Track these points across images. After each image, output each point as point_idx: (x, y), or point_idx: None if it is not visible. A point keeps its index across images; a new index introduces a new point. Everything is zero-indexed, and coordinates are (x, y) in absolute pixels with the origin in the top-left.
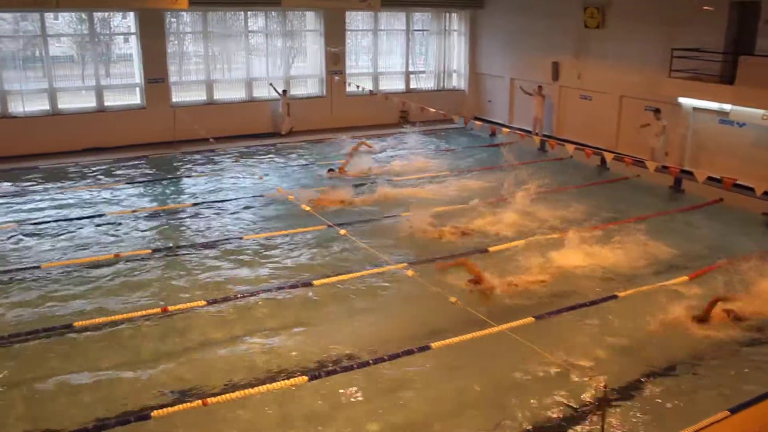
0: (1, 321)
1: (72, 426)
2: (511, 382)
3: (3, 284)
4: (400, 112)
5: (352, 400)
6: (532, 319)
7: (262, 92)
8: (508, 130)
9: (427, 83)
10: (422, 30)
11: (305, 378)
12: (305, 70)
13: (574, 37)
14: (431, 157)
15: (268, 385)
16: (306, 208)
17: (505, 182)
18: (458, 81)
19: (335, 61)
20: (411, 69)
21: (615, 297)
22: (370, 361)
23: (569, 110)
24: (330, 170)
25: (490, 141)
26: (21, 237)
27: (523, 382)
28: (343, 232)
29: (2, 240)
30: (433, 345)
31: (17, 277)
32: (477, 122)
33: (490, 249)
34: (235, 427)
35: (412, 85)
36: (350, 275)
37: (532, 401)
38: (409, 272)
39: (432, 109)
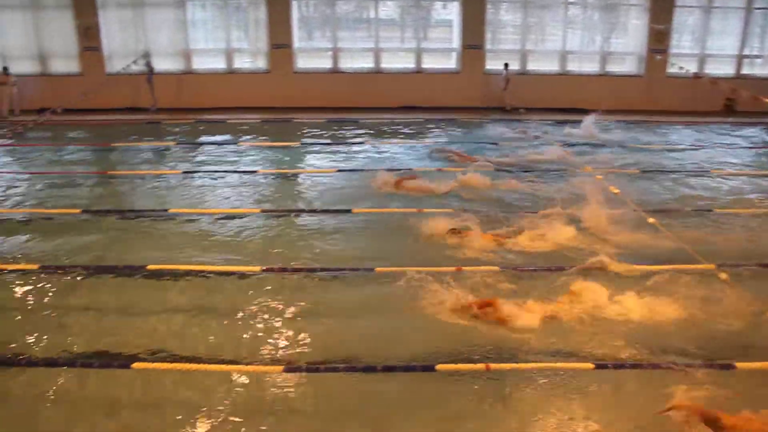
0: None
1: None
2: None
3: (312, 221)
4: (725, 100)
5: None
6: None
7: (574, 66)
8: None
9: (763, 69)
10: (766, 8)
11: (591, 365)
12: (623, 47)
13: None
14: (745, 155)
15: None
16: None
17: None
18: None
19: (659, 39)
20: (746, 52)
21: None
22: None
23: None
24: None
25: None
26: (333, 182)
27: None
28: (651, 220)
29: (326, 184)
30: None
31: (328, 217)
32: None
33: None
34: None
35: (744, 71)
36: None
37: None
38: (722, 275)
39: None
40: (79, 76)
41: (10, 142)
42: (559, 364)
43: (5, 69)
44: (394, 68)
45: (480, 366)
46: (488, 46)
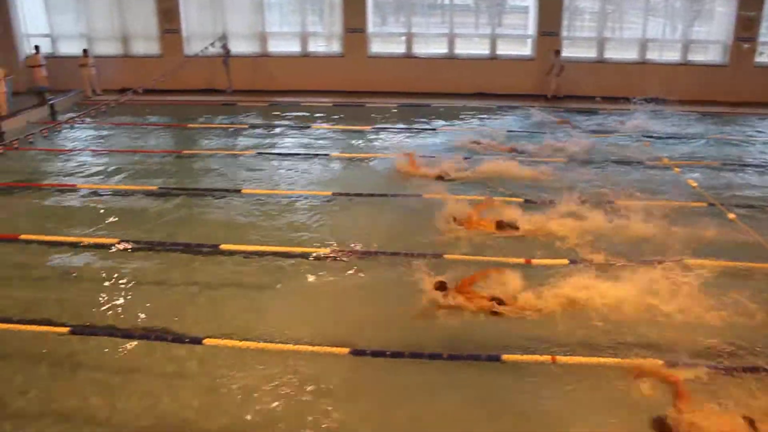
0: None
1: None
2: None
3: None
4: None
5: None
6: None
7: (654, 54)
8: None
9: None
10: None
11: (660, 361)
12: (706, 35)
13: None
14: None
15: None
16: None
17: None
18: None
19: (747, 27)
20: None
21: None
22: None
23: None
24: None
25: None
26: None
27: None
28: (731, 216)
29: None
30: None
31: (399, 201)
32: None
33: None
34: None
35: None
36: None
37: None
38: None
39: None
40: (158, 57)
41: (92, 120)
42: (627, 360)
43: (85, 51)
44: (467, 54)
45: (546, 357)
46: (564, 33)
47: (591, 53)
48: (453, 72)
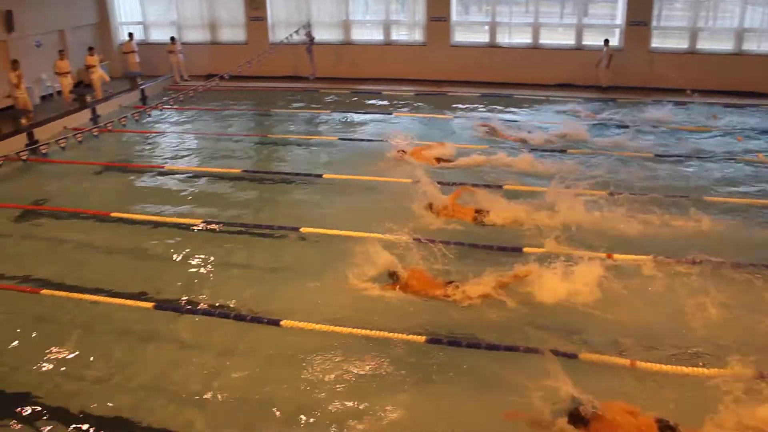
0: None
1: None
2: None
3: None
4: None
5: None
6: None
7: (750, 45)
8: None
9: None
10: None
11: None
12: None
13: None
14: None
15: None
16: None
17: None
18: None
19: None
20: None
21: None
22: None
23: None
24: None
25: None
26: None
27: None
28: None
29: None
30: None
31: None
32: None
33: None
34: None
35: None
36: None
37: None
38: None
39: None
40: (244, 44)
41: (180, 105)
42: (713, 371)
43: (172, 38)
44: (551, 44)
45: (624, 361)
46: (654, 23)
47: (683, 44)
48: (536, 62)
